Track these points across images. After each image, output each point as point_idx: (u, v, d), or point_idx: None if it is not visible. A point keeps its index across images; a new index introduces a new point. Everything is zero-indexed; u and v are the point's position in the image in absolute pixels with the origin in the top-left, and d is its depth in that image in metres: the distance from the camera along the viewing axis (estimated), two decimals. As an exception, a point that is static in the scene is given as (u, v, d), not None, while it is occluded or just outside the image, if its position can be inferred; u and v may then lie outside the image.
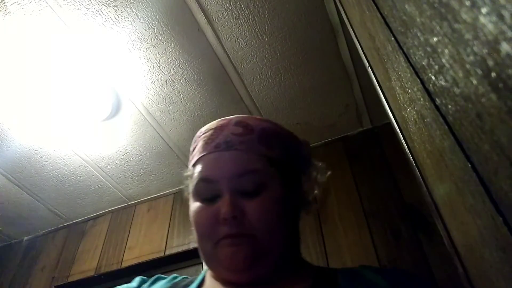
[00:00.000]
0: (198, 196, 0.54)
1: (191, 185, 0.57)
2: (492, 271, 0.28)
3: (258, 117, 0.61)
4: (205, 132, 0.59)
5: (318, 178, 0.63)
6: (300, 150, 0.62)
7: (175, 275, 0.63)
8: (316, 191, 0.63)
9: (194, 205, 0.54)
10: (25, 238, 1.98)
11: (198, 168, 0.55)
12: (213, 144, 0.55)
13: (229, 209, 0.49)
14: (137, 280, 0.63)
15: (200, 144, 0.58)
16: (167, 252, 1.55)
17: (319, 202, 1.39)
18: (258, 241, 0.49)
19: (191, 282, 0.58)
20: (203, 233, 0.52)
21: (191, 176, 0.57)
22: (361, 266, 0.57)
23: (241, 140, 0.54)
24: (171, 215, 1.69)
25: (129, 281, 0.63)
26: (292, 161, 0.59)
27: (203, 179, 0.53)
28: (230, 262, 0.49)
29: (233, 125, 0.57)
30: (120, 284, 0.62)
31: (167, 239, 1.60)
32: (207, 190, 0.53)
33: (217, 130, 0.57)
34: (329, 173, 0.65)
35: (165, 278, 0.62)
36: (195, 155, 0.58)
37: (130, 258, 1.62)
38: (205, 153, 0.55)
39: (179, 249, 1.53)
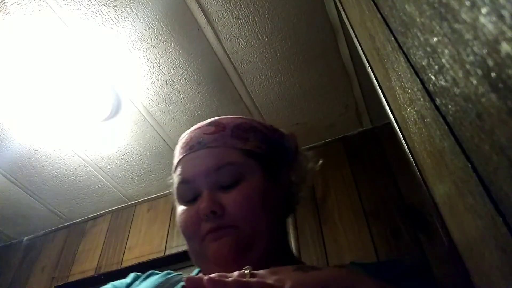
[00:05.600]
0: (181, 199, 0.55)
1: (174, 191, 0.58)
2: (492, 271, 0.28)
3: (235, 116, 0.62)
4: (183, 138, 0.60)
5: (309, 166, 0.63)
6: (282, 142, 0.62)
7: (169, 271, 0.64)
8: (310, 180, 0.62)
9: (179, 210, 0.55)
10: (25, 238, 1.98)
11: (177, 172, 0.56)
12: (187, 147, 0.56)
13: (206, 205, 0.50)
14: (131, 276, 0.64)
15: (177, 149, 0.60)
16: (167, 252, 1.55)
17: (320, 200, 1.39)
18: (241, 231, 0.50)
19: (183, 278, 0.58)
20: (189, 234, 0.53)
21: (174, 182, 0.59)
22: (351, 262, 0.57)
23: (214, 138, 0.55)
24: (171, 215, 1.68)
25: None
26: (274, 153, 0.59)
27: (182, 181, 0.55)
28: (217, 256, 0.49)
29: (205, 125, 0.59)
30: None
31: (167, 239, 1.60)
32: (187, 192, 0.54)
33: (192, 133, 0.59)
34: (321, 161, 0.65)
35: (158, 273, 0.63)
36: (174, 161, 0.60)
37: (130, 258, 1.62)
38: (181, 156, 0.57)
39: (179, 249, 1.52)
